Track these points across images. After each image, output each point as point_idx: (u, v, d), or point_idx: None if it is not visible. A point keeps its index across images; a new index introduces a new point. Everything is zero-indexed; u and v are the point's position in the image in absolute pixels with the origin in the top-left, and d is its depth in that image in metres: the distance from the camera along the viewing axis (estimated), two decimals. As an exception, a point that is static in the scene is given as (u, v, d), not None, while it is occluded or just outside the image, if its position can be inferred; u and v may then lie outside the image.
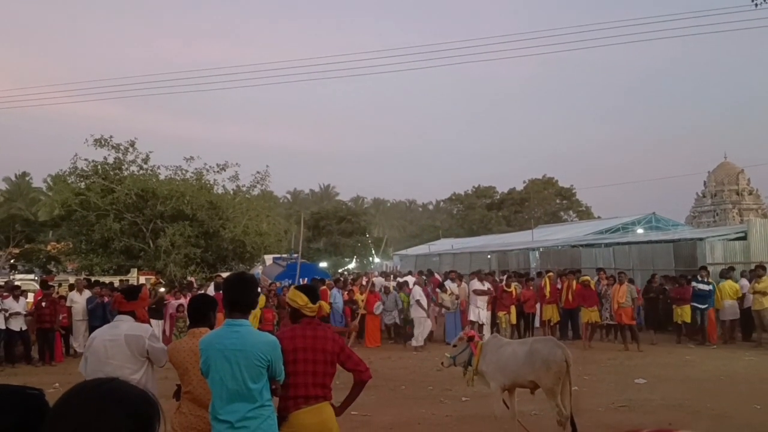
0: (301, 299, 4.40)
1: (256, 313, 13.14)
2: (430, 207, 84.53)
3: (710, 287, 15.46)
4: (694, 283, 15.58)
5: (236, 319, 3.97)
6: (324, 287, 17.14)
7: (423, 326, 15.99)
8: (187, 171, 27.12)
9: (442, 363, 8.03)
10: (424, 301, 16.10)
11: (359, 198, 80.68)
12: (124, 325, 4.81)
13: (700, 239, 19.39)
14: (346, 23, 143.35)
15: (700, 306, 15.37)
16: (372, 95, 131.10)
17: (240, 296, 4.06)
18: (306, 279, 17.68)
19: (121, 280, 20.10)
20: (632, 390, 10.39)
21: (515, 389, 7.64)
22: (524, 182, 63.93)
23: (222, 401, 3.84)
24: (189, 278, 22.99)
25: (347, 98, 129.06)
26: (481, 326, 15.38)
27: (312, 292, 4.57)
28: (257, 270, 27.37)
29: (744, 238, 18.94)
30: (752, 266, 16.15)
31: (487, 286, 16.08)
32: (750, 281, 15.24)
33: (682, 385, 10.62)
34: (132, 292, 5.13)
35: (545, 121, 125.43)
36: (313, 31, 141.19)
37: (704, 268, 16.18)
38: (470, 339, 7.71)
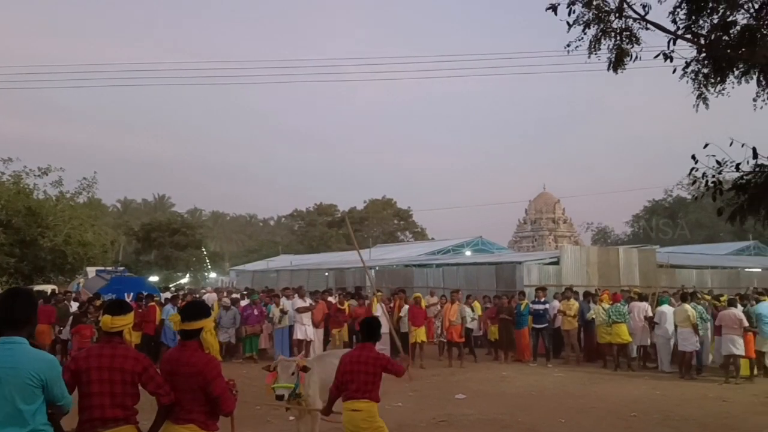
0: (105, 317, 4.29)
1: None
2: (271, 222, 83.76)
3: (546, 306, 16.47)
4: (530, 304, 16.57)
5: (10, 337, 3.69)
6: (153, 303, 16.38)
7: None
8: (3, 173, 24.83)
9: (282, 397, 7.06)
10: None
11: (196, 210, 78.04)
12: None
13: (519, 263, 20.92)
14: (191, 30, 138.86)
15: (537, 326, 16.41)
16: (218, 106, 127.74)
17: (11, 313, 3.75)
18: (131, 294, 16.79)
19: None
20: (452, 405, 10.92)
21: None
22: (365, 202, 65.47)
23: None
24: (-3, 291, 20.89)
25: (190, 107, 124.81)
26: (309, 343, 15.44)
27: (116, 308, 4.41)
28: (77, 283, 25.53)
29: (557, 263, 20.73)
30: (563, 289, 17.70)
31: (309, 302, 16.18)
32: (560, 302, 16.64)
33: (498, 400, 11.32)
34: None
35: (387, 144, 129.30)
36: (158, 34, 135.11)
37: (542, 289, 17.21)
38: (304, 369, 7.14)
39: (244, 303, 17.60)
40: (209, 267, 49.59)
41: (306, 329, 15.72)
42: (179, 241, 44.45)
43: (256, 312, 16.70)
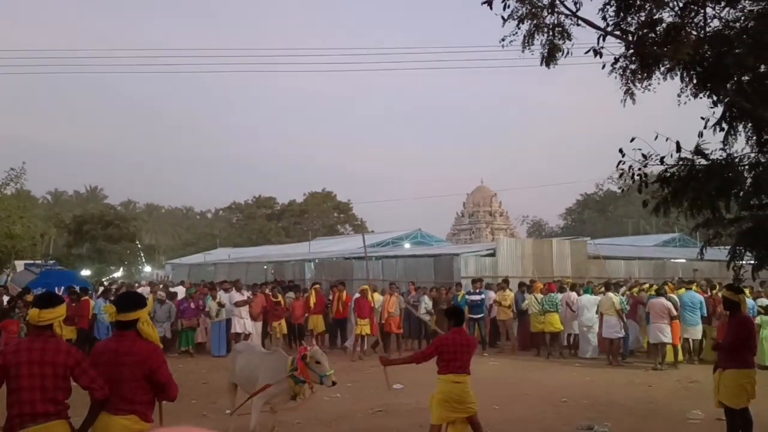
0: (32, 311, 4.19)
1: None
2: (209, 215, 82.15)
3: (482, 297, 16.71)
4: (467, 295, 16.79)
5: None
6: (86, 297, 15.89)
7: None
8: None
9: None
10: None
11: (131, 202, 75.90)
12: None
13: (457, 255, 21.23)
14: (129, 18, 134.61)
15: (473, 316, 16.67)
16: (151, 96, 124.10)
17: None
18: (62, 288, 16.23)
19: None
20: (390, 395, 11.00)
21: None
22: (304, 195, 65.10)
23: None
24: None
25: (123, 96, 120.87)
26: (247, 336, 15.31)
27: (44, 301, 4.28)
28: (5, 276, 24.52)
29: (493, 255, 21.15)
30: (499, 280, 18.08)
31: (246, 295, 16.02)
32: (495, 293, 16.99)
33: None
34: None
35: (327, 137, 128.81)
36: (89, 19, 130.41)
37: (478, 280, 17.47)
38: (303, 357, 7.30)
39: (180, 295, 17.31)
40: (144, 260, 48.39)
41: (244, 322, 15.57)
42: (112, 233, 43.17)
43: (192, 305, 16.42)
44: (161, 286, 21.70)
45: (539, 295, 16.03)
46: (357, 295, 16.40)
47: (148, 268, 49.40)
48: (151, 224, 68.10)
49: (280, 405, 7.66)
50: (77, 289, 16.73)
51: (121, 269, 45.27)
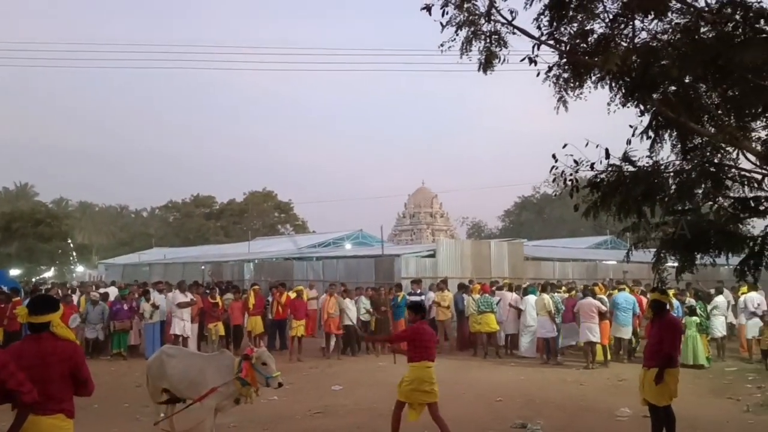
0: None
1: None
2: (144, 214, 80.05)
3: (422, 298, 16.79)
4: (407, 296, 16.90)
5: None
6: (18, 298, 15.23)
7: None
8: None
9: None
10: None
11: (63, 200, 73.15)
12: None
13: (398, 255, 21.38)
14: (60, 7, 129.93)
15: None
16: (86, 89, 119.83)
17: None
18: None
19: None
20: (329, 396, 11.04)
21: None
22: (244, 194, 64.26)
23: None
24: None
25: (55, 89, 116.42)
26: (185, 339, 15.02)
27: None
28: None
29: (434, 256, 21.40)
30: (438, 281, 18.30)
31: (190, 297, 15.75)
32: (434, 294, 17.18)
33: (373, 390, 11.53)
34: None
35: (269, 136, 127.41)
36: (28, 13, 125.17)
37: (417, 281, 17.64)
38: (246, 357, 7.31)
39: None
40: (76, 260, 46.88)
41: (184, 325, 15.27)
42: (43, 232, 41.68)
43: (125, 307, 16.02)
44: (93, 286, 21.08)
45: (476, 296, 16.32)
46: (293, 295, 16.40)
47: (80, 268, 47.90)
48: (84, 223, 66.00)
49: (226, 408, 7.55)
50: (6, 289, 16.10)
51: (53, 269, 43.79)
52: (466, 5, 6.91)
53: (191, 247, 46.46)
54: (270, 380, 7.17)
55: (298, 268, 24.49)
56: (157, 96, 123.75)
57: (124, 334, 15.96)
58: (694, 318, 14.55)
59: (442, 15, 7.00)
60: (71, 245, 45.30)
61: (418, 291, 17.01)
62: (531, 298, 15.71)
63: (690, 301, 15.52)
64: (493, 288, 17.49)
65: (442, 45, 7.15)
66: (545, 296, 15.12)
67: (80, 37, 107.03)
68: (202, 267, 29.47)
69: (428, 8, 6.95)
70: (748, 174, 6.51)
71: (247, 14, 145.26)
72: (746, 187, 6.50)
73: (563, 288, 17.67)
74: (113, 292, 17.94)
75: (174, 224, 64.42)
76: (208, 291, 16.96)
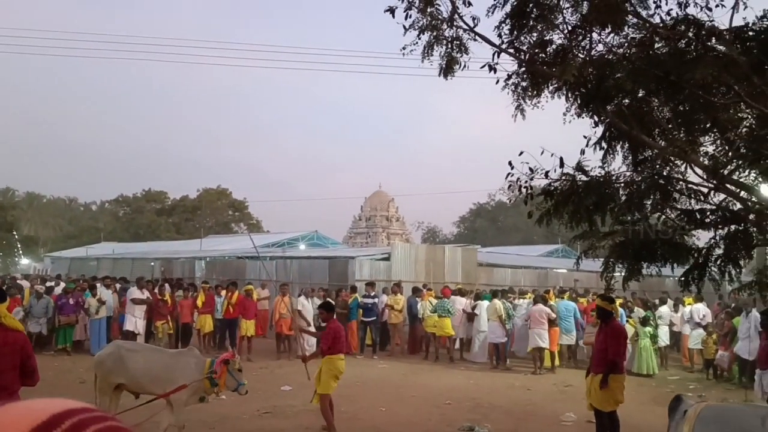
0: None
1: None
2: (94, 207, 78.06)
3: (375, 300, 16.90)
4: (361, 298, 16.92)
5: None
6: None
7: None
8: None
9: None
10: None
11: (9, 190, 70.77)
12: None
13: (352, 258, 21.35)
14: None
15: (365, 319, 16.74)
16: (34, 75, 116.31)
17: None
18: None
19: None
20: (278, 397, 10.93)
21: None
22: (198, 190, 63.27)
23: None
24: None
25: (5, 77, 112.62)
26: (135, 336, 14.70)
27: None
28: None
29: (388, 259, 21.43)
30: (392, 284, 18.33)
31: (146, 294, 15.43)
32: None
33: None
34: None
35: (223, 132, 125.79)
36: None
37: (371, 284, 17.60)
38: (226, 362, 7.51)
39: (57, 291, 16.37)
40: (21, 252, 45.46)
41: (136, 321, 14.98)
42: (-14, 222, 40.34)
43: (71, 301, 15.57)
44: (38, 280, 20.45)
45: (433, 300, 16.44)
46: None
47: (25, 261, 46.50)
48: (31, 214, 63.91)
49: (189, 404, 7.57)
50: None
51: (-4, 261, 42.45)
52: (429, 9, 6.95)
53: (141, 242, 45.56)
54: (240, 387, 7.52)
55: (250, 267, 24.22)
56: (111, 88, 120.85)
57: (70, 329, 15.50)
58: (648, 328, 14.90)
59: (406, 18, 7.03)
60: (16, 237, 43.93)
61: (372, 294, 17.02)
62: (485, 304, 15.88)
63: (639, 311, 15.89)
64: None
65: (404, 48, 7.18)
66: (497, 302, 15.30)
67: (25, 23, 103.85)
68: (152, 263, 28.93)
69: (392, 10, 6.97)
70: (695, 187, 6.70)
71: (207, 9, 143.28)
72: (693, 199, 6.70)
73: (530, 295, 17.93)
74: (59, 286, 17.45)
75: (124, 219, 63.03)
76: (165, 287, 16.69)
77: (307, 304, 15.99)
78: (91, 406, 0.80)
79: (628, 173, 7.05)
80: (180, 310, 16.33)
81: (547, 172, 6.72)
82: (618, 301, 12.39)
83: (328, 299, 12.56)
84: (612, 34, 6.79)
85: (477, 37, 7.17)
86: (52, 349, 15.34)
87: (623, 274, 6.90)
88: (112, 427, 0.77)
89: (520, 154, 6.58)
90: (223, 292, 16.48)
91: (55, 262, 38.14)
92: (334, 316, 9.24)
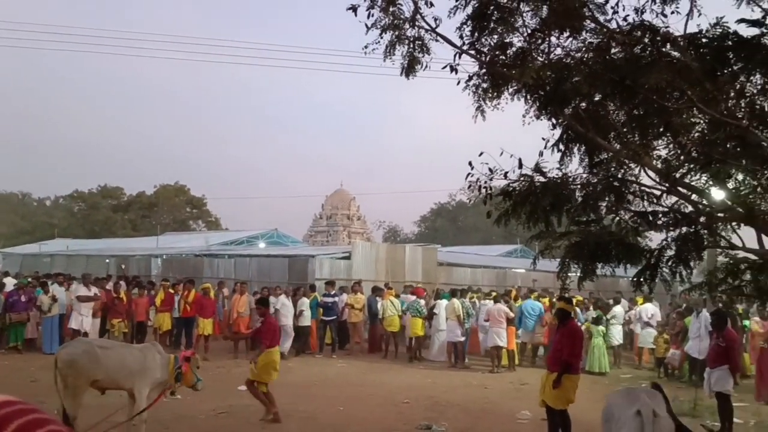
0: None
1: None
2: (48, 203, 76.13)
3: (335, 299, 16.83)
4: (321, 297, 16.83)
5: None
6: None
7: None
8: None
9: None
10: None
11: (-40, 185, 68.70)
12: None
13: (312, 256, 21.29)
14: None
15: (325, 318, 16.67)
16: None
17: None
18: None
19: None
20: (234, 396, 10.81)
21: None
22: (155, 187, 62.20)
23: None
24: None
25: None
26: (84, 334, 14.37)
27: None
28: None
29: (349, 258, 21.42)
30: (352, 283, 18.33)
31: (94, 291, 15.09)
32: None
33: (281, 390, 11.32)
34: None
35: (182, 128, 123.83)
36: None
37: (331, 282, 17.54)
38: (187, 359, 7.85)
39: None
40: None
41: (83, 320, 14.59)
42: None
43: (23, 299, 15.14)
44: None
45: (395, 300, 16.51)
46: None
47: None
48: (-19, 209, 62.14)
49: (150, 398, 7.75)
50: None
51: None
52: (391, 9, 6.96)
53: (96, 239, 44.62)
54: (198, 383, 7.89)
55: (208, 265, 23.96)
56: (65, 82, 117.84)
57: (21, 326, 15.07)
58: (600, 327, 15.22)
59: (368, 17, 7.03)
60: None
61: (332, 292, 16.97)
62: (443, 303, 15.99)
63: (592, 312, 16.21)
64: (410, 292, 17.68)
65: (366, 47, 7.17)
66: (455, 301, 15.42)
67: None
68: (107, 261, 28.39)
69: (354, 9, 6.96)
70: (648, 189, 6.84)
71: (163, 4, 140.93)
72: (646, 201, 6.84)
73: (495, 294, 18.08)
74: (9, 282, 16.95)
75: (79, 215, 61.65)
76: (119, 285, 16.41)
77: (287, 303, 15.89)
78: (14, 399, 0.78)
79: (584, 175, 7.16)
80: (135, 309, 16.05)
81: (506, 173, 6.78)
82: (575, 300, 12.67)
83: (261, 296, 12.53)
84: (570, 39, 6.89)
85: (439, 38, 7.21)
86: (2, 347, 14.91)
87: (578, 274, 7.01)
88: (38, 419, 0.75)
89: (480, 154, 6.63)
90: (180, 291, 16.26)
91: (7, 258, 37.10)
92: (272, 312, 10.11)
